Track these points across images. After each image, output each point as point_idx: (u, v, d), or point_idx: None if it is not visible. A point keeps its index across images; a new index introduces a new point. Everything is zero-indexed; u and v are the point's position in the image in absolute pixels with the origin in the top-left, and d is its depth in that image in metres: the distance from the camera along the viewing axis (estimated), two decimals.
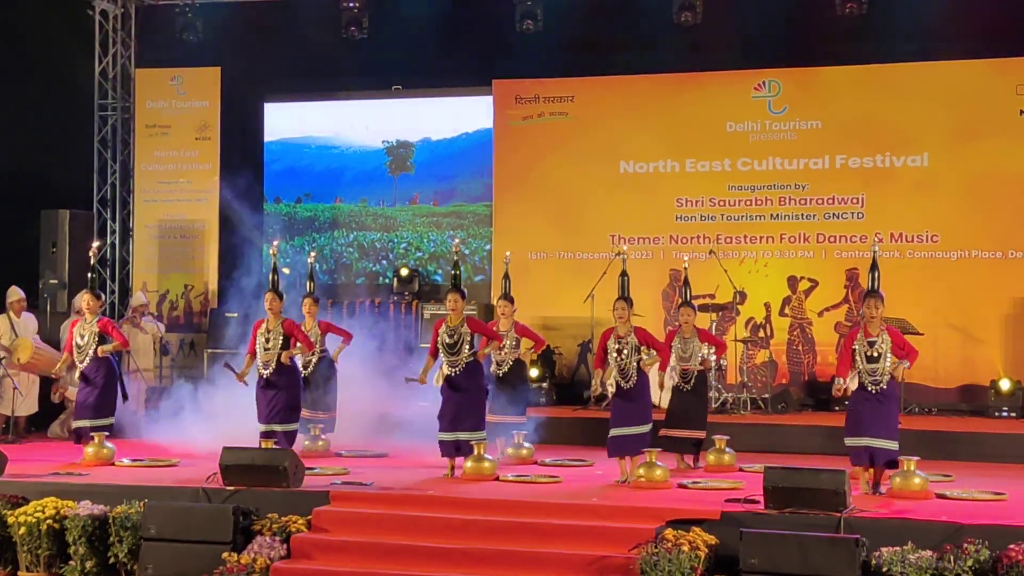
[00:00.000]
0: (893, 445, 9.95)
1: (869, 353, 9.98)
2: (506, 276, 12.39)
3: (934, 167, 15.38)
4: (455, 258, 11.62)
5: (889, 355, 9.97)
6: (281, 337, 11.59)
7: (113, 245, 17.18)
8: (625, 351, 10.64)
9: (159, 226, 17.27)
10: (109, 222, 17.20)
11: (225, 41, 17.03)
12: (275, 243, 12.36)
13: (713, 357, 11.91)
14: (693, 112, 16.15)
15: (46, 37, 16.82)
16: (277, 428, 11.48)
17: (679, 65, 16.16)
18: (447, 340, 10.99)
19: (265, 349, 11.60)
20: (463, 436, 10.90)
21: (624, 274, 11.03)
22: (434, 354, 11.11)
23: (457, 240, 12.60)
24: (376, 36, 16.85)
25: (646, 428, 10.70)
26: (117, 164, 17.25)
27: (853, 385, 10.08)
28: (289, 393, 11.66)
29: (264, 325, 11.69)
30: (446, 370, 11.01)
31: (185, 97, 17.28)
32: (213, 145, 17.21)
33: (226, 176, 16.95)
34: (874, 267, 10.25)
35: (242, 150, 17.71)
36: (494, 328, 11.85)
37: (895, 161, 15.55)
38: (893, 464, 9.98)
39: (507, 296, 12.22)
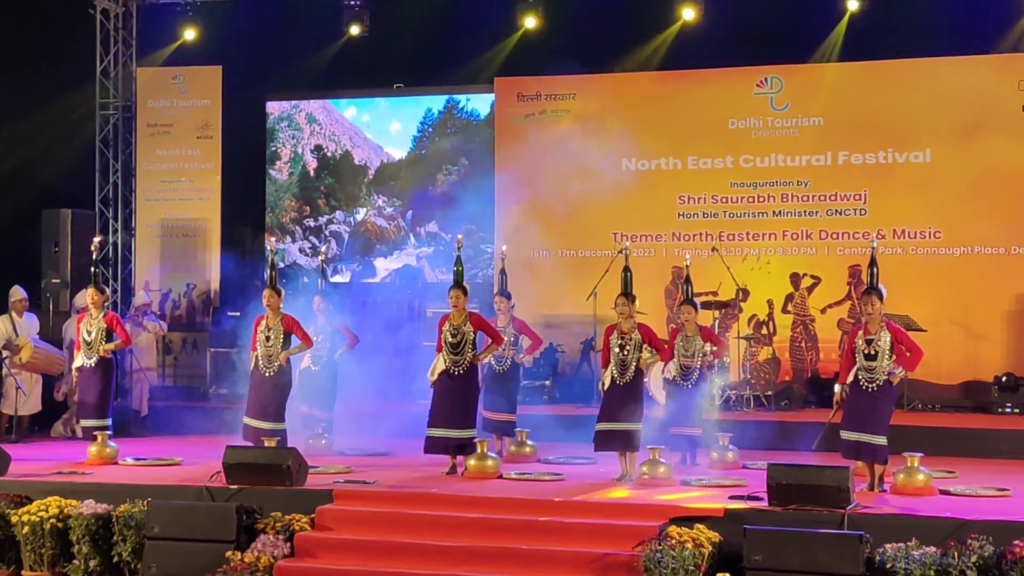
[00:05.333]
0: (875, 439, 9.89)
1: (867, 351, 9.96)
2: (502, 272, 12.33)
3: (936, 163, 15.36)
4: (457, 253, 11.51)
5: (888, 353, 9.94)
6: (282, 334, 11.57)
7: (115, 244, 17.17)
8: (628, 347, 10.62)
9: (161, 225, 17.26)
10: (111, 221, 17.20)
11: (226, 40, 17.01)
12: (272, 240, 12.29)
13: (711, 356, 11.77)
14: (695, 109, 16.13)
15: (47, 36, 16.82)
16: (253, 423, 11.46)
17: (681, 62, 16.13)
18: (450, 339, 10.99)
19: (266, 346, 11.58)
20: (452, 434, 10.88)
21: (627, 270, 11.01)
22: (442, 351, 11.08)
23: (460, 236, 12.38)
24: (377, 34, 16.84)
25: (638, 426, 10.67)
26: (119, 163, 17.24)
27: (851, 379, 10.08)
28: (276, 392, 11.61)
29: (264, 322, 11.67)
30: (443, 364, 10.98)
31: (186, 96, 17.28)
32: (215, 144, 17.19)
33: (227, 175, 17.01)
34: (872, 263, 10.23)
35: (244, 149, 17.72)
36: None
37: (897, 157, 15.52)
38: (883, 459, 9.94)
39: (503, 292, 12.18)
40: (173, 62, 17.31)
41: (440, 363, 11.01)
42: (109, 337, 12.04)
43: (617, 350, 10.65)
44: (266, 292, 11.71)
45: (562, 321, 16.04)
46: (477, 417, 11.33)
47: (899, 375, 9.98)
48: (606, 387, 10.71)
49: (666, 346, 11.31)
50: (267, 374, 11.54)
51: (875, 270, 10.21)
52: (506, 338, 12.00)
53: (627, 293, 10.86)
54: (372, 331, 13.80)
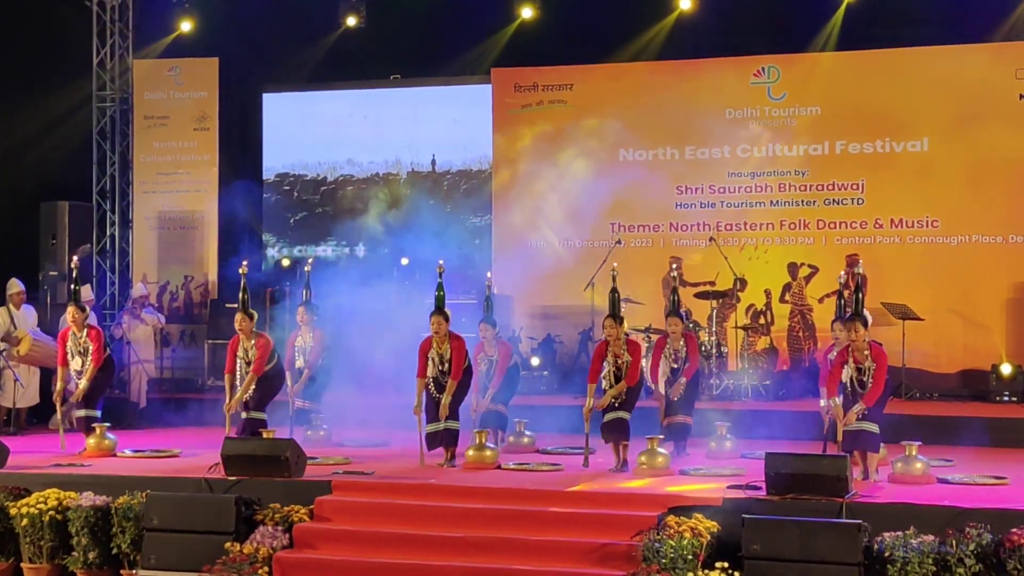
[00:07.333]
0: (866, 426, 9.77)
1: (860, 379, 9.75)
2: (488, 299, 12.18)
3: (934, 152, 15.36)
4: (439, 280, 11.10)
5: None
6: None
7: (113, 236, 17.16)
8: (623, 370, 10.60)
9: (158, 217, 17.26)
10: (108, 213, 17.19)
11: (223, 31, 17.01)
12: (244, 263, 12.00)
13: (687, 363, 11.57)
14: (692, 99, 16.12)
15: (44, 28, 16.79)
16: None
17: (678, 52, 16.13)
18: (440, 368, 10.89)
19: (247, 372, 11.41)
20: (447, 425, 10.87)
21: (614, 291, 10.84)
22: (423, 376, 10.88)
23: (441, 261, 11.94)
24: (374, 25, 16.84)
25: (629, 415, 10.70)
26: (116, 155, 17.23)
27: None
28: (263, 389, 11.50)
29: (240, 345, 11.40)
30: (430, 379, 10.90)
31: (183, 88, 17.27)
32: (212, 136, 17.19)
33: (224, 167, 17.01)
34: (858, 289, 10.00)
35: (240, 141, 17.71)
36: (480, 355, 11.66)
37: (895, 146, 15.52)
38: (874, 447, 9.88)
39: (489, 320, 12.02)
40: (170, 54, 17.31)
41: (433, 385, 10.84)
42: None
43: (614, 370, 10.63)
44: (238, 316, 11.37)
45: (560, 311, 16.06)
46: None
47: (857, 411, 9.76)
48: (596, 408, 10.65)
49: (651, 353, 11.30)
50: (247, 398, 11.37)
51: (860, 296, 9.98)
52: (496, 356, 11.87)
53: (615, 315, 10.74)
54: (370, 319, 13.79)
